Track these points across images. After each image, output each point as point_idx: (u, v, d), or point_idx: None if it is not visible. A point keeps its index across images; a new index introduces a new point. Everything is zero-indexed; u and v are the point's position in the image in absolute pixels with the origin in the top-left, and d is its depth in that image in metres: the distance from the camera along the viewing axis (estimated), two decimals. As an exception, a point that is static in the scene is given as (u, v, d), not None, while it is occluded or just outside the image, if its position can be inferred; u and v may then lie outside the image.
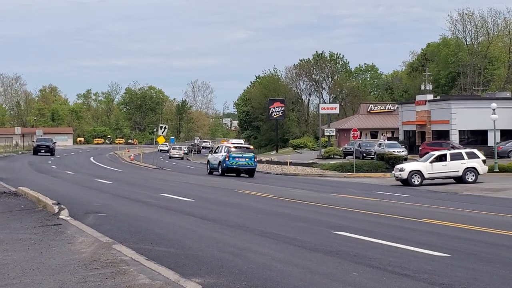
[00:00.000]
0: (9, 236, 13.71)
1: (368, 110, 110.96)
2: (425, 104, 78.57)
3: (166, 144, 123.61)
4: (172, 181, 40.32)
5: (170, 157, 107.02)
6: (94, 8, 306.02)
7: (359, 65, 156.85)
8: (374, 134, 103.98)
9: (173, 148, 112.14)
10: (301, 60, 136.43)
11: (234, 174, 48.92)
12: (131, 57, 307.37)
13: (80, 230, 14.23)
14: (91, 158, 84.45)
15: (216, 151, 53.00)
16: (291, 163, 66.82)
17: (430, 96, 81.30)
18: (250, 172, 49.85)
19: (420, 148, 70.15)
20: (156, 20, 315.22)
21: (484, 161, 42.99)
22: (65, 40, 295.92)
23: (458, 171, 42.05)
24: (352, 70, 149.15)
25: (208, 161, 53.63)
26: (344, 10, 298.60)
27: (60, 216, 16.49)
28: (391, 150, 63.07)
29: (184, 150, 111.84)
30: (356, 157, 60.45)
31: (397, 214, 21.18)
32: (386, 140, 77.87)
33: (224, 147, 51.79)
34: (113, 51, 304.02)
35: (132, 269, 9.90)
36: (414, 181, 41.65)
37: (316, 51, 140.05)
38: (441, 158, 42.54)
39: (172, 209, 20.95)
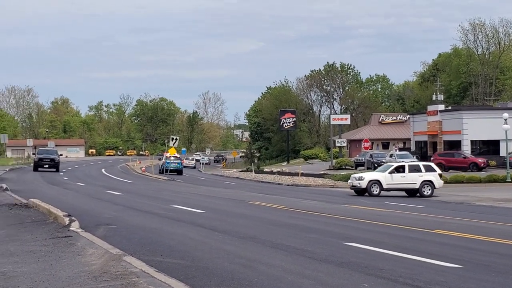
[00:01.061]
0: (20, 248, 13.71)
1: (380, 120, 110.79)
2: (437, 114, 78.42)
3: (199, 154, 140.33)
4: (183, 192, 40.30)
5: (184, 166, 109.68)
6: (105, 20, 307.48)
7: (370, 75, 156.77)
8: (385, 145, 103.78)
9: (186, 159, 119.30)
10: (312, 71, 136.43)
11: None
12: (143, 69, 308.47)
13: (90, 241, 14.21)
14: (103, 170, 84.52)
15: (162, 159, 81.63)
16: (303, 174, 66.71)
17: (441, 107, 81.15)
18: (178, 171, 75.49)
19: (432, 158, 69.91)
20: (167, 32, 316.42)
21: (440, 175, 42.86)
22: (76, 52, 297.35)
23: (415, 183, 41.61)
24: (363, 80, 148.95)
25: (158, 165, 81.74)
26: (355, 21, 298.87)
27: (71, 228, 16.48)
28: (403, 160, 62.82)
29: (202, 158, 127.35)
30: (368, 168, 60.32)
31: (409, 225, 21.09)
32: (397, 150, 77.72)
33: (165, 156, 78.46)
34: (124, 63, 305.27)
35: (142, 281, 9.87)
36: (374, 191, 41.07)
37: (327, 62, 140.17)
38: (400, 169, 42.26)
39: (182, 220, 20.92)
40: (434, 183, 41.84)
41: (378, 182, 41.44)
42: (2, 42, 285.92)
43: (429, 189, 41.59)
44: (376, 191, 41.20)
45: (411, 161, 53.89)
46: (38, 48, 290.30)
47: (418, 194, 41.44)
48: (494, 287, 10.82)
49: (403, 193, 42.30)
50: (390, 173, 41.81)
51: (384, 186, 41.45)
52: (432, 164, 44.68)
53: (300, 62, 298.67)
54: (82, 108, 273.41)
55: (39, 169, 66.87)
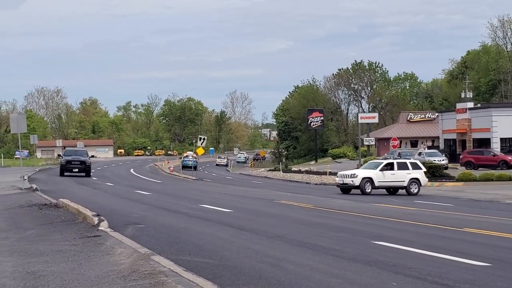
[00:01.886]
0: (50, 247, 13.83)
1: (408, 118, 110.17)
2: (466, 112, 77.86)
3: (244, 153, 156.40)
4: (211, 192, 40.40)
5: (216, 165, 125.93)
6: (133, 21, 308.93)
7: (398, 73, 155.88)
8: (414, 143, 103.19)
9: (219, 157, 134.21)
10: (339, 70, 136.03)
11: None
12: (171, 69, 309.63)
13: (119, 241, 14.29)
14: (131, 170, 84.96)
15: (182, 158, 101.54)
16: (331, 173, 66.56)
17: (470, 104, 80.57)
18: (194, 167, 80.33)
19: (461, 156, 69.50)
20: (195, 32, 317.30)
21: (425, 173, 42.04)
22: (104, 53, 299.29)
23: (404, 181, 40.55)
24: (391, 78, 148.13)
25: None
26: (384, 19, 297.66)
27: (100, 228, 16.58)
28: (432, 159, 62.51)
29: (239, 157, 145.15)
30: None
31: (438, 223, 20.97)
32: (426, 149, 77.38)
33: (184, 155, 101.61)
34: (153, 63, 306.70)
35: (170, 280, 9.91)
36: (367, 189, 39.67)
37: (355, 60, 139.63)
38: (389, 166, 40.93)
39: (210, 220, 20.96)
40: (420, 180, 41.05)
41: (370, 180, 40.13)
42: (31, 43, 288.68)
43: (416, 187, 40.72)
44: (369, 189, 39.88)
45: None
46: (67, 49, 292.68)
47: (404, 192, 40.46)
48: (524, 286, 10.73)
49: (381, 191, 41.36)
50: (381, 170, 40.53)
51: (376, 184, 40.20)
52: (418, 162, 43.90)
53: (328, 60, 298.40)
54: (111, 108, 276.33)
55: (66, 173, 56.46)
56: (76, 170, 56.49)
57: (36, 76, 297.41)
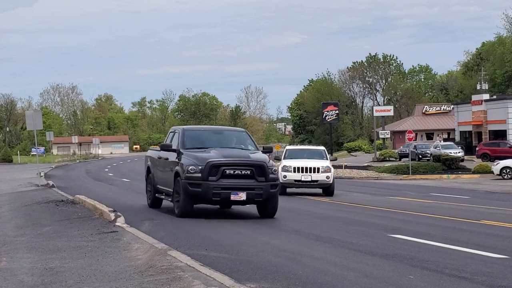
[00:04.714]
0: (67, 243, 13.89)
1: (423, 111, 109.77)
2: (481, 104, 77.50)
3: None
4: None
5: None
6: (148, 17, 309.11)
7: (413, 66, 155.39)
8: (429, 136, 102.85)
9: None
10: (354, 63, 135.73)
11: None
12: (185, 65, 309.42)
13: (136, 237, 14.31)
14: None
15: None
16: (346, 167, 66.42)
17: (486, 96, 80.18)
18: None
19: (477, 148, 69.20)
20: (209, 27, 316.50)
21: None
22: (119, 50, 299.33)
23: None
24: (406, 71, 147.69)
25: None
26: (399, 11, 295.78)
27: (117, 223, 16.62)
28: (448, 151, 62.26)
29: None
30: (412, 159, 59.81)
31: (455, 216, 20.91)
32: (442, 141, 77.04)
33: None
34: (168, 59, 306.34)
35: (187, 275, 9.93)
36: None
37: (369, 53, 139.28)
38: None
39: (227, 214, 20.97)
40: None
41: None
42: (46, 41, 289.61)
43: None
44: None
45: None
46: (81, 46, 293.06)
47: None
48: (542, 278, 10.68)
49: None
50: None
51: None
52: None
53: (343, 54, 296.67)
54: (126, 104, 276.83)
55: (198, 204, 19.76)
56: (243, 197, 18.51)
57: (51, 73, 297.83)
